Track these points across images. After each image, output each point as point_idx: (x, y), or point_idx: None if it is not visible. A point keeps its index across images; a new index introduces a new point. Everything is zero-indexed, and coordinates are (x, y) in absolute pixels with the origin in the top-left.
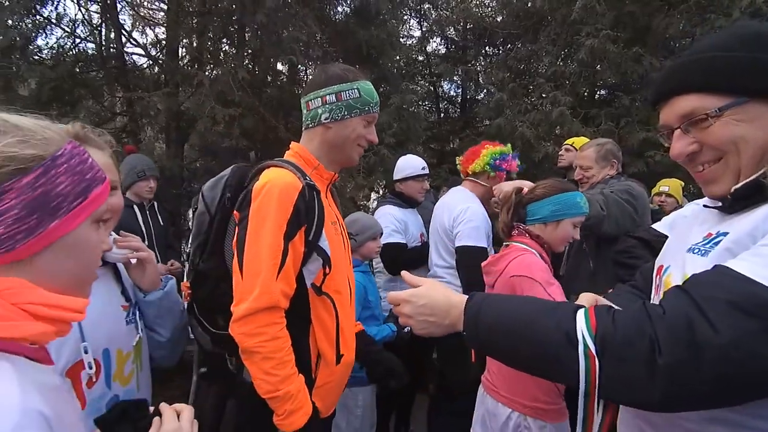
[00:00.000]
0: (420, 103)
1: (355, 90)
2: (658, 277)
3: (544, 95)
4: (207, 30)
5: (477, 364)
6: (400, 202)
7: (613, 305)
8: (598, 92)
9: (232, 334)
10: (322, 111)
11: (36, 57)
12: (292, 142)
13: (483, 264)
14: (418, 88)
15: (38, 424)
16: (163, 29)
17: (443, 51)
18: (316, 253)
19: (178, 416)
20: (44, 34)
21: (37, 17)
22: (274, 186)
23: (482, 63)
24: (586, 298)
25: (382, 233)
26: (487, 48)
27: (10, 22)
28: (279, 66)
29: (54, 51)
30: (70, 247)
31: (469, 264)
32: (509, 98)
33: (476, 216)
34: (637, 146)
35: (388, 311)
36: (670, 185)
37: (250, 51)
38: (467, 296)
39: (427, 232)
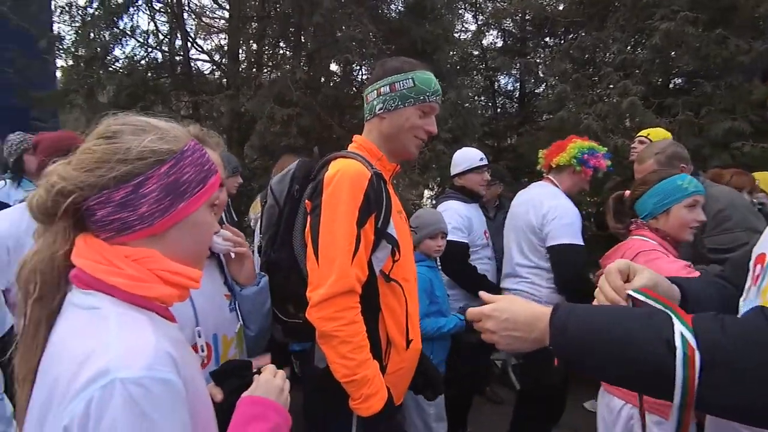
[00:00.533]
0: (476, 98)
1: (410, 80)
2: (759, 266)
3: (611, 85)
4: (266, 34)
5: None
6: (463, 197)
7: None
8: (673, 80)
9: (309, 318)
10: (377, 102)
11: (113, 66)
12: (355, 135)
13: (600, 260)
14: (474, 83)
15: (168, 362)
16: (224, 35)
17: (500, 44)
18: (385, 240)
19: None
20: (120, 45)
21: (115, 29)
22: (345, 174)
23: (542, 55)
24: (642, 278)
25: (445, 233)
26: (547, 38)
27: (92, 35)
28: (334, 66)
29: (129, 60)
30: (191, 225)
31: (565, 261)
32: (573, 90)
33: (567, 212)
34: (721, 136)
35: (458, 309)
36: (760, 179)
37: (304, 53)
38: (552, 308)
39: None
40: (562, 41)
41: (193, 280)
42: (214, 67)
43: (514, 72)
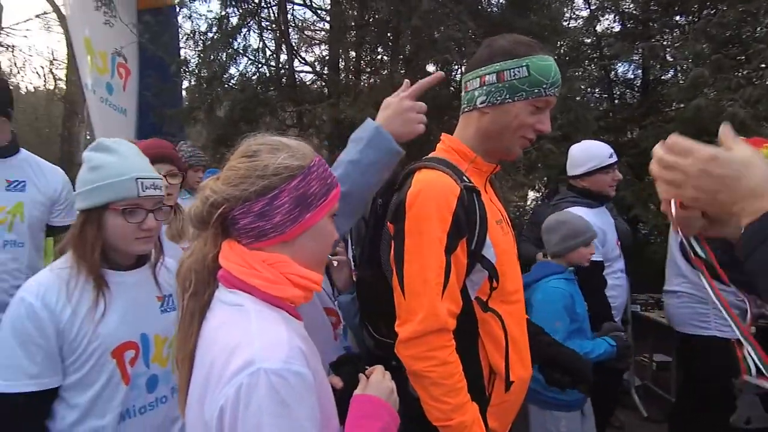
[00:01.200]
0: (589, 90)
1: (524, 68)
2: None
3: (763, 65)
4: (364, 41)
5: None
6: (589, 201)
7: None
8: None
9: (398, 355)
10: (479, 93)
11: (229, 84)
12: (443, 134)
13: None
14: (587, 74)
15: (300, 356)
16: (325, 46)
17: (617, 29)
18: (480, 264)
19: None
20: (235, 64)
21: (230, 50)
22: (430, 193)
23: (670, 37)
24: None
25: (595, 236)
26: (677, 17)
27: (211, 57)
28: (431, 68)
29: (242, 77)
30: (316, 234)
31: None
32: (711, 73)
33: None
34: None
35: (600, 332)
36: None
37: (402, 57)
38: None
39: None
40: (697, 19)
41: (316, 284)
42: (316, 77)
43: (635, 58)
